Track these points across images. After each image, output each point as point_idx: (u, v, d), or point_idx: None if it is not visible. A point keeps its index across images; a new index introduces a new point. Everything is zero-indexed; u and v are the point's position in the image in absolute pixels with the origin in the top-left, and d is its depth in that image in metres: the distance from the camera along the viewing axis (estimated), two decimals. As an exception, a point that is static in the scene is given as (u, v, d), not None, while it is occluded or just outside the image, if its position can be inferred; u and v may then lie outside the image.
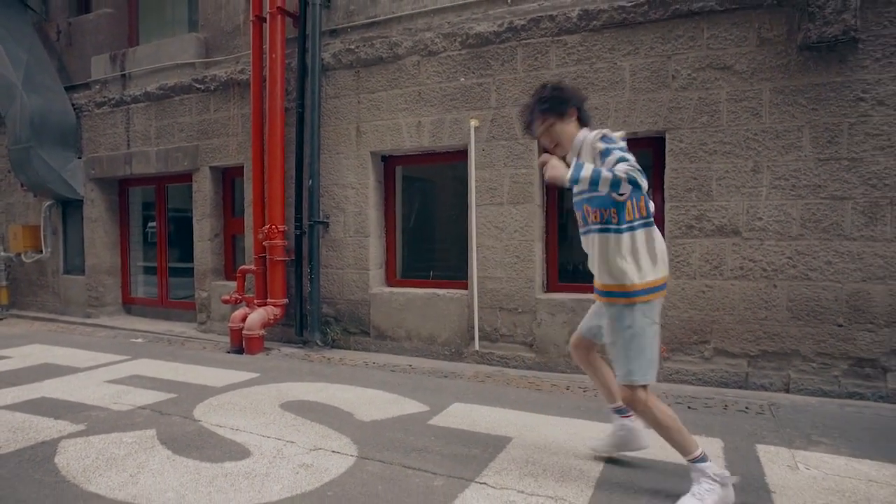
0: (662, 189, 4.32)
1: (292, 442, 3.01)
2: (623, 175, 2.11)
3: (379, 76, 5.29)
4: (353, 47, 5.38)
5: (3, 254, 7.98)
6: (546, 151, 2.46)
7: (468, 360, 4.96)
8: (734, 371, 4.11)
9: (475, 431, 3.19)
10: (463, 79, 4.92)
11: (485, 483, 2.52)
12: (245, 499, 2.36)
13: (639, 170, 2.15)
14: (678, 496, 2.32)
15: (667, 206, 4.26)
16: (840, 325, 3.85)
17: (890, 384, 3.73)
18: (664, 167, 4.28)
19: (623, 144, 2.31)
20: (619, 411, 2.68)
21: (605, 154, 2.25)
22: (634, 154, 2.25)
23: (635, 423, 2.66)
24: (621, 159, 2.18)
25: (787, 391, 3.98)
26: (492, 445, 2.97)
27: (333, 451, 2.88)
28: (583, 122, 2.48)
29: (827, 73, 3.80)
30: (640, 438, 2.68)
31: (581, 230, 2.52)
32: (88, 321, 7.07)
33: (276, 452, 2.86)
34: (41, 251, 7.70)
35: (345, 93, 5.48)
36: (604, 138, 2.31)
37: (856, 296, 3.80)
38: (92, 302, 7.26)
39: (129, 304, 7.48)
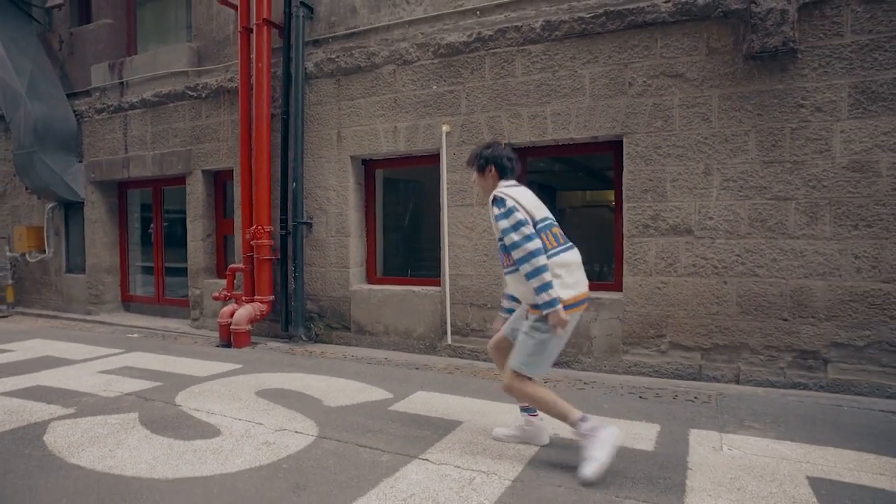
0: (621, 190, 4.55)
1: (261, 424, 3.28)
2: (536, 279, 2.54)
3: (358, 84, 5.57)
4: (333, 56, 5.66)
5: (9, 254, 8.33)
6: None
7: (441, 353, 5.22)
8: (688, 363, 4.33)
9: (430, 416, 3.44)
10: (435, 86, 5.19)
11: (427, 459, 2.78)
12: (208, 470, 2.64)
13: (518, 225, 2.57)
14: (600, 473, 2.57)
15: (625, 206, 4.50)
16: (785, 320, 4.06)
17: (830, 374, 3.95)
18: (622, 169, 4.52)
19: (511, 206, 2.61)
20: (527, 410, 2.98)
21: (497, 218, 2.64)
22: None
23: (541, 421, 2.98)
24: (507, 230, 2.59)
25: (738, 382, 4.21)
26: (442, 428, 3.22)
27: (296, 432, 3.15)
28: (501, 175, 2.81)
29: (770, 80, 4.03)
30: (542, 434, 3.00)
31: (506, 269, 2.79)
32: (89, 318, 7.41)
33: (243, 432, 3.13)
34: (44, 251, 8.06)
35: (326, 100, 5.76)
36: (496, 201, 2.65)
37: (799, 291, 4.01)
38: (92, 300, 7.60)
39: (128, 302, 7.81)
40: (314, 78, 5.80)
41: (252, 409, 3.54)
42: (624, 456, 2.82)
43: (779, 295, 4.07)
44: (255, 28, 5.83)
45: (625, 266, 4.50)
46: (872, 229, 3.81)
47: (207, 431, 3.15)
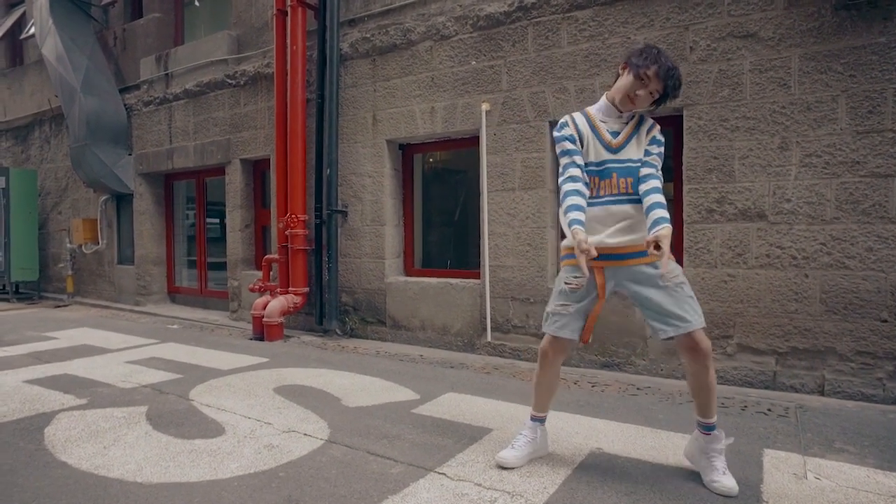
0: (681, 171, 4.00)
1: (269, 423, 3.01)
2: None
3: (394, 63, 5.25)
4: (368, 35, 5.37)
5: (68, 245, 8.62)
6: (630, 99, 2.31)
7: (480, 351, 4.83)
8: (760, 369, 3.74)
9: (456, 421, 3.06)
10: (474, 62, 4.78)
11: (444, 473, 2.40)
12: (198, 474, 2.37)
13: None
14: (652, 499, 2.11)
15: (685, 188, 3.94)
16: (884, 321, 3.40)
17: (943, 388, 3.26)
18: (682, 146, 3.96)
19: None
20: (538, 419, 2.55)
21: (659, 144, 2.37)
22: None
23: (545, 428, 2.57)
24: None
25: (822, 393, 3.57)
26: (468, 436, 2.84)
27: (305, 434, 2.85)
28: None
29: (868, 33, 3.37)
30: (547, 441, 2.59)
31: (603, 198, 2.32)
32: (137, 308, 7.51)
33: (248, 432, 2.87)
34: (98, 243, 8.27)
35: (362, 81, 5.47)
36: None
37: (902, 287, 3.34)
38: (140, 291, 7.71)
39: (174, 294, 7.88)
40: (349, 59, 5.53)
41: (265, 407, 3.28)
42: (680, 479, 2.34)
43: (875, 291, 3.41)
44: (289, 10, 5.63)
45: (685, 256, 3.94)
46: None
47: (211, 430, 2.91)
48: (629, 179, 2.30)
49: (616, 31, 4.14)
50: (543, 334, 2.44)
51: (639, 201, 2.29)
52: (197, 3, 7.72)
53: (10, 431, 2.88)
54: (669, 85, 2.24)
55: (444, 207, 5.76)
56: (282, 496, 2.19)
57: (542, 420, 2.54)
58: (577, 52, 4.30)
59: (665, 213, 2.16)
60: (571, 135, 2.35)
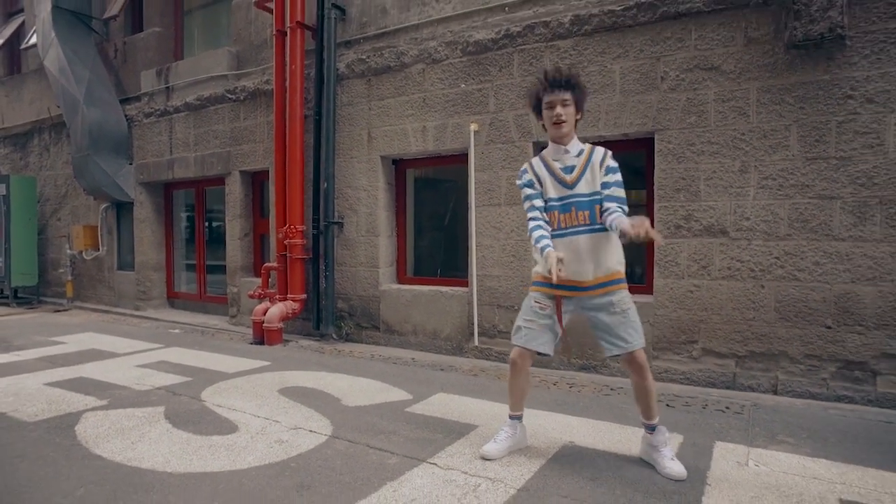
0: (653, 189, 4.37)
1: (277, 421, 3.33)
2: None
3: (388, 84, 5.59)
4: (364, 57, 5.70)
5: (68, 251, 8.85)
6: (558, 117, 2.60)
7: (468, 355, 5.17)
8: (722, 371, 4.12)
9: (446, 419, 3.41)
10: (464, 85, 5.14)
11: (434, 463, 2.74)
12: (219, 465, 2.70)
13: None
14: (612, 484, 2.46)
15: (656, 206, 4.32)
16: (828, 327, 3.80)
17: (879, 388, 3.66)
18: (654, 167, 4.34)
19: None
20: (516, 417, 2.90)
21: (614, 171, 2.61)
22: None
23: (523, 426, 2.93)
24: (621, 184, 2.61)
25: (775, 392, 3.97)
26: (456, 432, 3.18)
27: (311, 431, 3.18)
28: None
29: (814, 71, 3.76)
30: (526, 435, 2.96)
31: (566, 230, 2.64)
32: (137, 313, 7.77)
33: (259, 429, 3.19)
34: (99, 249, 8.51)
35: (357, 100, 5.81)
36: (612, 156, 2.65)
37: (844, 297, 3.74)
38: (140, 296, 7.97)
39: (173, 299, 8.15)
40: (345, 79, 5.86)
41: (272, 407, 3.60)
42: (639, 466, 2.70)
43: (821, 301, 3.81)
44: (289, 31, 5.94)
45: (655, 268, 4.32)
46: (929, 231, 3.50)
47: (225, 427, 3.23)
48: (586, 212, 2.61)
49: (594, 60, 4.51)
50: (513, 345, 2.78)
51: (599, 230, 2.61)
52: None
53: (45, 429, 3.19)
54: (556, 78, 2.53)
55: (435, 219, 6.10)
56: (295, 482, 2.52)
57: (519, 418, 2.90)
58: (558, 78, 4.66)
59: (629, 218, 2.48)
60: (530, 180, 2.72)
